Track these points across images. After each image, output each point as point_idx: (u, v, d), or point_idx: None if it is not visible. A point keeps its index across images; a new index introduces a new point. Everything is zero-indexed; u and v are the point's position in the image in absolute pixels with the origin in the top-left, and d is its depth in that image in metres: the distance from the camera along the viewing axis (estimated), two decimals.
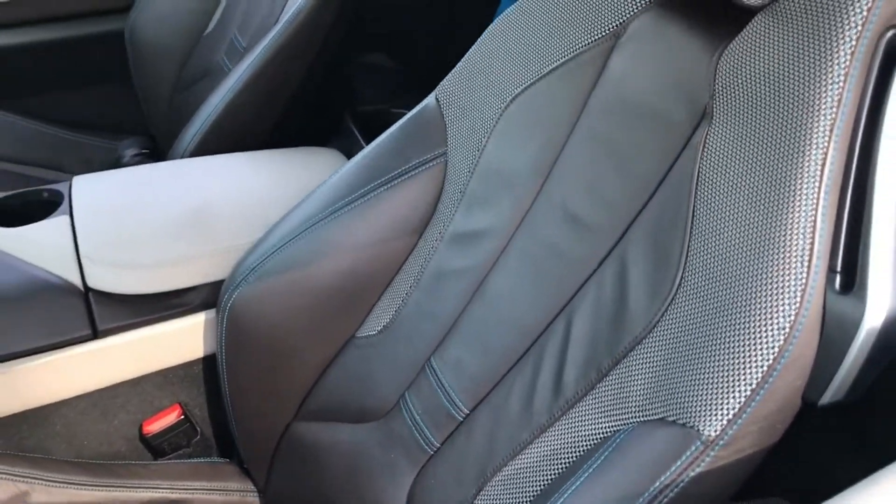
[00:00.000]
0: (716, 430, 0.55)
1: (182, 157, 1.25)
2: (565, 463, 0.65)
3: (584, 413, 0.66)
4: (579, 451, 0.64)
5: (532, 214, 0.77)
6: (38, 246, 0.93)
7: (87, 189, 1.02)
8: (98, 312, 0.91)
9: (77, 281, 0.91)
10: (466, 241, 0.80)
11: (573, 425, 0.66)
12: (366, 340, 0.86)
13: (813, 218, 0.56)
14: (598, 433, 0.63)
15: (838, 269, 0.57)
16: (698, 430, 0.56)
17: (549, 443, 0.67)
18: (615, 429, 0.62)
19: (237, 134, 1.24)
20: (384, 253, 0.85)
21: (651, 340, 0.62)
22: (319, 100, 1.38)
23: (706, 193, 0.62)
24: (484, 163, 0.81)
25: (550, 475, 0.66)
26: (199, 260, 0.94)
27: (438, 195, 0.84)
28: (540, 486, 0.66)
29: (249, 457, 0.95)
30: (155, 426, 0.96)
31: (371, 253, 0.85)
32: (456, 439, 0.75)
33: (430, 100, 0.87)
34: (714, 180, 0.62)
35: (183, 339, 0.95)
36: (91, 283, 0.91)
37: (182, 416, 0.97)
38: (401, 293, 0.85)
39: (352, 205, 0.84)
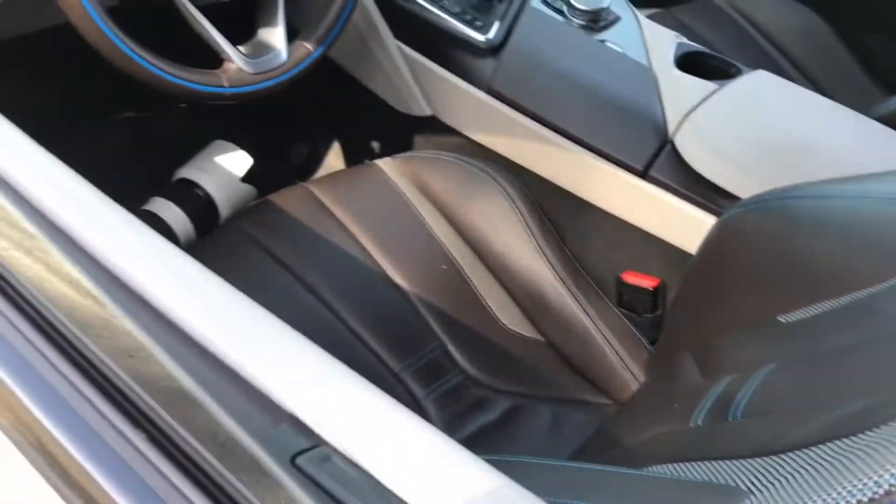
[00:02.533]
0: None
1: None
2: None
3: None
4: None
5: None
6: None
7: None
8: (660, 161, 1.00)
9: (670, 129, 1.00)
10: None
11: None
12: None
13: None
14: None
15: None
16: None
17: None
18: None
19: None
20: None
21: None
22: None
23: None
24: None
25: None
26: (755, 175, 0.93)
27: None
28: None
29: None
30: (632, 279, 1.04)
31: None
32: None
33: None
34: None
35: (694, 229, 0.97)
36: (676, 138, 1.00)
37: (654, 289, 1.02)
38: None
39: None
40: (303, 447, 0.35)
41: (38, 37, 1.07)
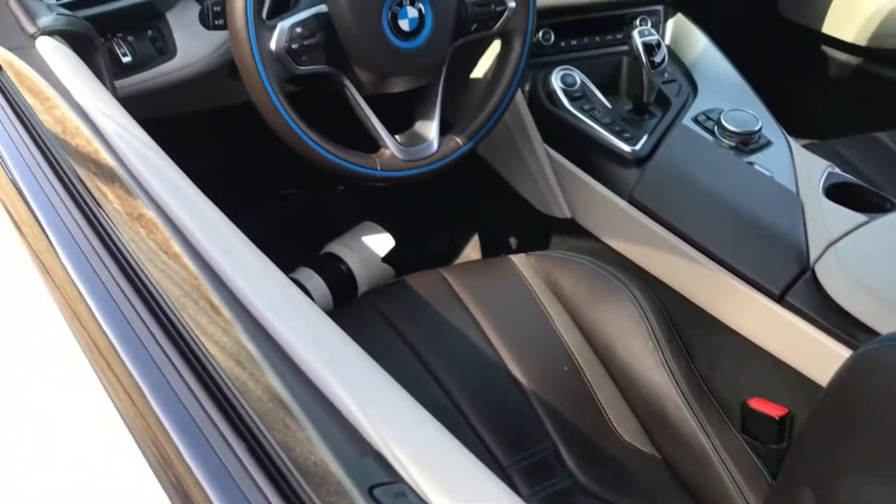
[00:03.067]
0: None
1: None
2: None
3: None
4: None
5: None
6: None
7: None
8: (798, 287, 0.97)
9: (811, 256, 0.98)
10: None
11: None
12: None
13: None
14: None
15: None
16: None
17: None
18: None
19: None
20: None
21: None
22: None
23: None
24: None
25: None
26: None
27: None
28: None
29: None
30: (758, 406, 1.00)
31: None
32: None
33: None
34: None
35: (828, 360, 0.93)
36: (817, 266, 0.97)
37: (781, 418, 0.98)
38: None
39: None
40: (382, 480, 0.38)
41: (223, 112, 1.20)
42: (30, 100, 0.62)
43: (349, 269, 1.33)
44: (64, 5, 0.93)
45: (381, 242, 1.37)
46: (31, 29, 0.70)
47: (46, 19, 0.73)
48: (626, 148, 1.18)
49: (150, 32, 1.04)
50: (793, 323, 0.96)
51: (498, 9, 1.05)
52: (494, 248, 1.45)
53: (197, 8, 1.06)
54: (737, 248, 1.05)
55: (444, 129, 1.07)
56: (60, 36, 0.72)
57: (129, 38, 1.02)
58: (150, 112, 1.07)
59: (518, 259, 1.18)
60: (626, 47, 1.32)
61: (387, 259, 1.36)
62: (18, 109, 0.62)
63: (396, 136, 1.04)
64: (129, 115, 0.61)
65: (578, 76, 1.28)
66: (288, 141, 0.96)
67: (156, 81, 1.04)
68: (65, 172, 0.56)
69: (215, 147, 1.43)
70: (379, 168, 1.01)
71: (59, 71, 0.65)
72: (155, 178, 0.56)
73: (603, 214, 1.21)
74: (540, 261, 1.17)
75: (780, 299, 0.98)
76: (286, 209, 1.60)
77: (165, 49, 1.05)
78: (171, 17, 1.06)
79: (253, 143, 1.16)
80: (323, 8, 0.94)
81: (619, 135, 1.20)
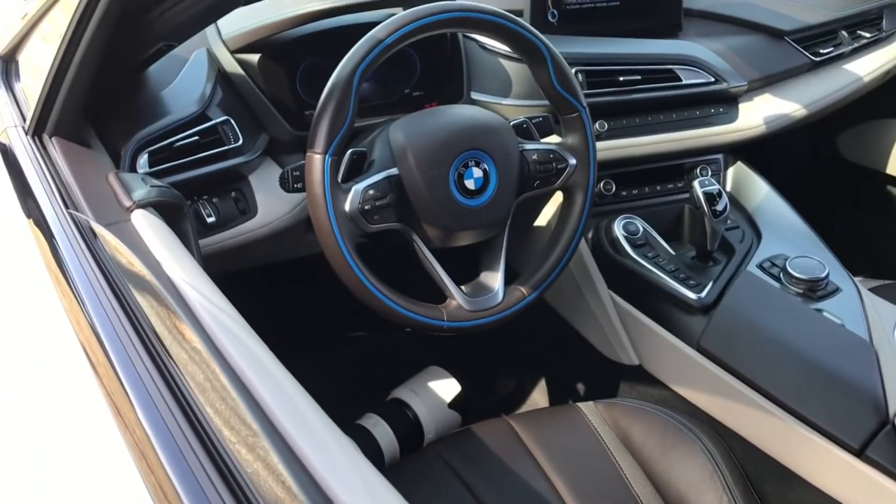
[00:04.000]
0: None
1: None
2: None
3: None
4: None
5: None
6: None
7: None
8: (878, 441, 0.94)
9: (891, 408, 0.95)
10: None
11: None
12: None
13: None
14: None
15: None
16: None
17: None
18: None
19: None
20: None
21: None
22: None
23: None
24: None
25: None
26: None
27: None
28: None
29: None
30: None
31: None
32: None
33: None
34: None
35: None
36: None
37: None
38: None
39: None
40: None
41: (297, 262, 1.26)
42: (121, 266, 0.68)
43: (416, 416, 1.34)
44: (156, 172, 1.02)
45: (447, 388, 1.38)
46: (126, 202, 0.77)
47: (140, 192, 0.79)
48: (691, 295, 1.18)
49: (233, 194, 1.12)
50: (874, 479, 0.93)
51: (559, 166, 1.09)
52: (561, 393, 1.44)
53: (276, 170, 1.14)
54: (810, 398, 1.02)
55: (509, 279, 1.10)
56: (153, 207, 0.78)
57: (214, 200, 1.09)
58: (229, 266, 1.14)
59: (586, 407, 1.17)
60: (687, 195, 1.35)
61: (453, 405, 1.37)
62: (108, 275, 0.67)
63: (462, 287, 1.07)
64: (213, 284, 0.66)
65: (641, 224, 1.30)
66: (358, 294, 1.00)
67: (236, 239, 1.10)
68: (144, 330, 0.61)
69: (288, 294, 1.48)
70: (446, 319, 1.03)
71: (150, 243, 0.71)
72: (231, 343, 0.59)
73: (671, 362, 1.20)
74: (609, 409, 1.16)
75: (859, 454, 0.95)
76: (356, 351, 1.63)
77: (247, 209, 1.12)
78: (253, 179, 1.14)
79: (324, 289, 1.21)
80: (394, 171, 1.00)
81: (684, 282, 1.20)
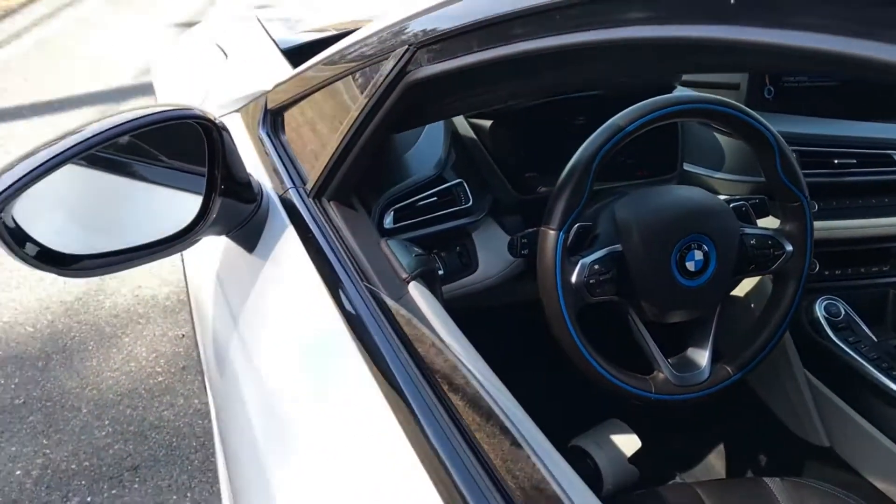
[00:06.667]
0: None
1: None
2: None
3: None
4: None
5: None
6: None
7: None
8: None
9: None
10: None
11: None
12: None
13: None
14: None
15: None
16: None
17: None
18: None
19: None
20: None
21: None
22: None
23: None
24: None
25: None
26: None
27: None
28: None
29: None
30: None
31: None
32: None
33: None
34: None
35: None
36: None
37: None
38: None
39: None
40: None
41: (514, 307, 1.33)
42: (409, 336, 0.78)
43: (596, 466, 1.39)
44: (399, 228, 1.12)
45: (628, 442, 1.42)
46: (403, 274, 0.86)
47: (409, 262, 0.89)
48: (894, 387, 1.18)
49: (457, 248, 1.21)
50: None
51: (776, 252, 1.12)
52: (741, 464, 1.46)
53: (496, 229, 1.23)
54: None
55: (715, 356, 1.14)
56: (420, 277, 0.88)
57: (442, 254, 1.19)
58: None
59: (773, 483, 1.18)
60: (892, 279, 1.34)
61: (633, 460, 1.41)
62: (405, 342, 0.78)
63: (669, 360, 1.12)
64: (475, 350, 0.76)
65: (843, 307, 1.30)
66: (574, 358, 1.06)
67: (456, 292, 1.19)
68: (435, 387, 0.71)
69: (508, 333, 1.56)
70: (653, 391, 1.08)
71: (426, 313, 0.81)
72: (492, 391, 0.70)
73: (866, 450, 1.20)
74: (797, 489, 1.17)
75: None
76: (529, 391, 1.69)
77: (469, 264, 1.21)
78: (476, 236, 1.23)
79: (524, 337, 1.28)
80: (618, 247, 1.06)
81: (886, 372, 1.20)
